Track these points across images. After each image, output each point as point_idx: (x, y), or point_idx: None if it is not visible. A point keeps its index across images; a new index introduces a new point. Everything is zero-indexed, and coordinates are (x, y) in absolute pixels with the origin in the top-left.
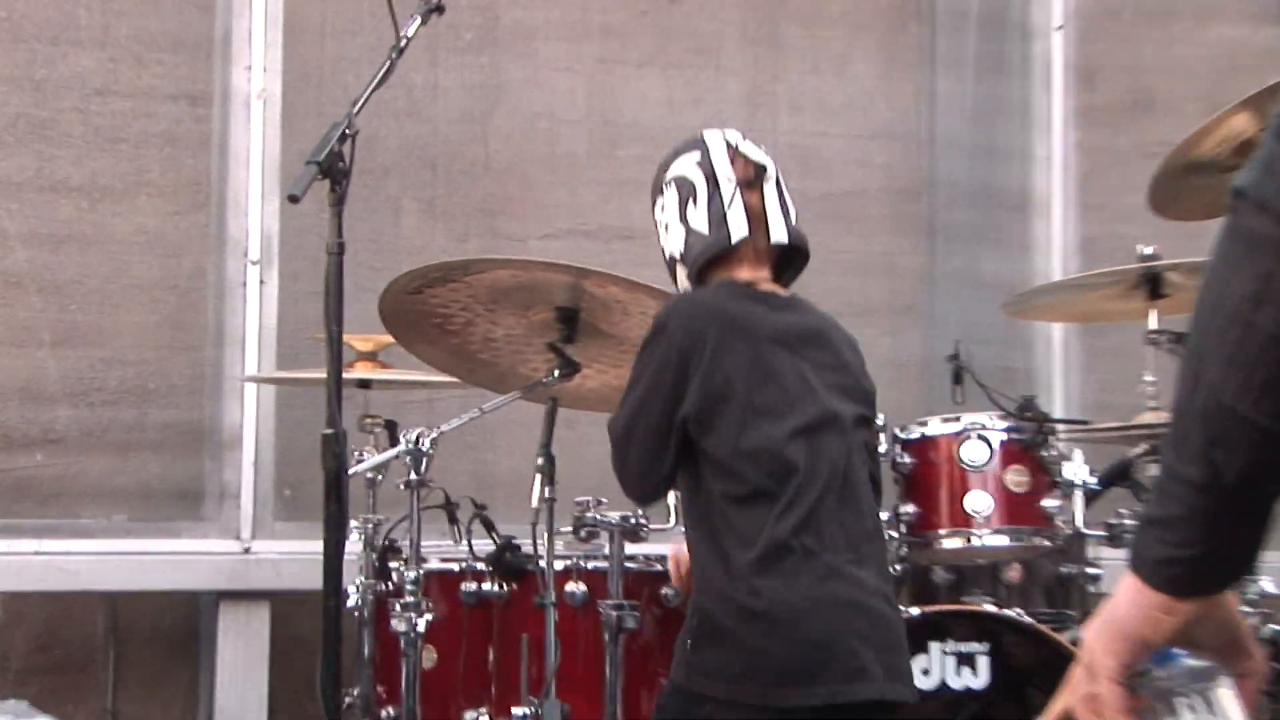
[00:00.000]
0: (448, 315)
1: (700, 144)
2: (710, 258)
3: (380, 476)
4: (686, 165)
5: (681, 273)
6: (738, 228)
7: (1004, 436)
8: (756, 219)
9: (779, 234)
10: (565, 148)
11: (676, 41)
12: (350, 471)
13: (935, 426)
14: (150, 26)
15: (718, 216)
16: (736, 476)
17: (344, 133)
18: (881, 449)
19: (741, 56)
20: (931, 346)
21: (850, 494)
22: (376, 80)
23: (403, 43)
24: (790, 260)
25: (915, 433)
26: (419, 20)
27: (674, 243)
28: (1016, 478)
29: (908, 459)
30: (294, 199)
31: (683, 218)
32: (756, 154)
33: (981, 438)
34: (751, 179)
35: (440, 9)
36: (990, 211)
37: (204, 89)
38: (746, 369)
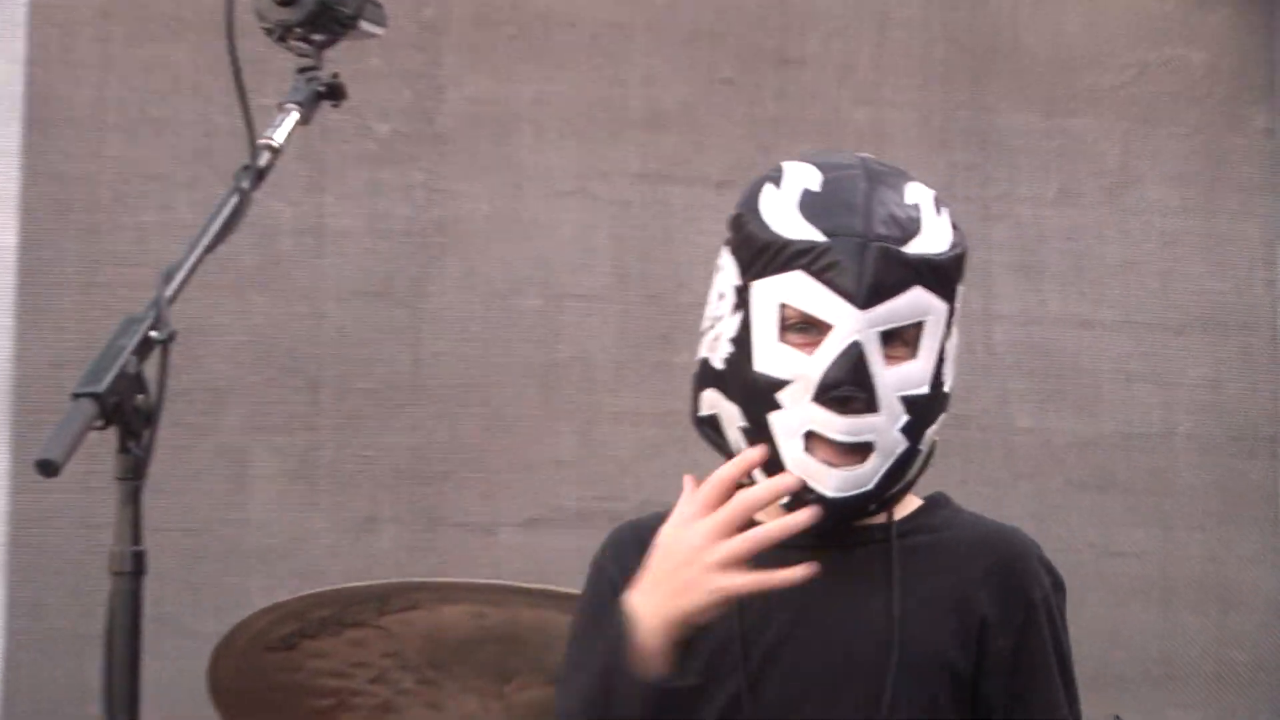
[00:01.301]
0: (345, 691)
1: None
2: None
3: None
4: None
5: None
6: None
7: None
8: None
9: None
10: (576, 346)
11: (793, 137)
12: None
13: None
14: None
15: None
16: None
17: (147, 336)
18: None
19: (930, 171)
20: None
21: None
22: (208, 238)
23: (263, 159)
24: None
25: None
26: (294, 114)
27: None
28: None
29: None
30: (48, 468)
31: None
32: None
33: None
34: None
35: (337, 94)
36: None
37: None
38: None
